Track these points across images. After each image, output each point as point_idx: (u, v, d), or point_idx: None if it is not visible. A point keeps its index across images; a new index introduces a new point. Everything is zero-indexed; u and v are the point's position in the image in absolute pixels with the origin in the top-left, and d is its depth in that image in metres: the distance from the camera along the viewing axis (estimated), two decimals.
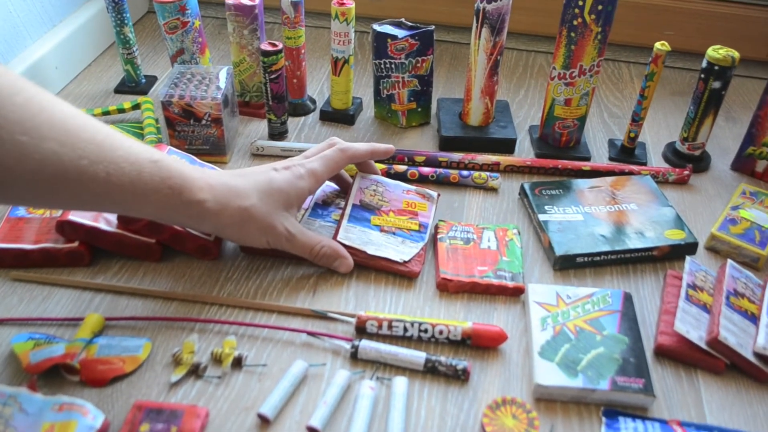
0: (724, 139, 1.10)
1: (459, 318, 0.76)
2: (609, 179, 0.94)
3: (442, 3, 1.30)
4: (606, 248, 0.82)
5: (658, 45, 0.93)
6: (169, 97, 0.92)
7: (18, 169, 0.58)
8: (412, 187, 0.88)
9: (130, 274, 0.79)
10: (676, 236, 0.84)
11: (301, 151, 0.98)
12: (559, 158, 1.00)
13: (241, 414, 0.66)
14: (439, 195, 0.88)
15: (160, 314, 0.75)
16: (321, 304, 0.77)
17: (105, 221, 0.79)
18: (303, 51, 1.05)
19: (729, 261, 0.80)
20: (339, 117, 1.07)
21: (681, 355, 0.72)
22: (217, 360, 0.70)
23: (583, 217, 0.87)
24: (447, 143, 1.02)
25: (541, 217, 0.86)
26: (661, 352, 0.73)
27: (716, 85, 0.94)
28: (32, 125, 0.58)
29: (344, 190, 0.89)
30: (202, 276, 0.80)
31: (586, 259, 0.82)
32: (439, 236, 0.84)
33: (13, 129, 0.57)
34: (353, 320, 0.73)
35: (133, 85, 1.13)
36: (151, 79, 1.16)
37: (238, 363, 0.70)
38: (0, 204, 0.63)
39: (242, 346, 0.72)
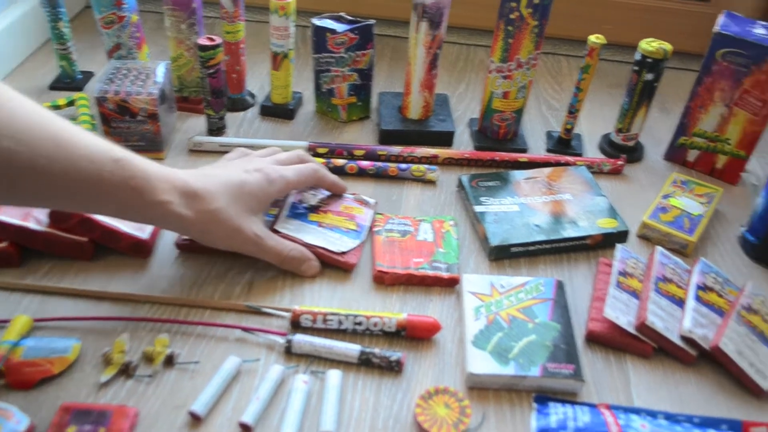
0: (658, 130, 1.12)
1: (395, 310, 0.76)
2: (545, 170, 0.95)
3: None
4: (540, 238, 0.83)
5: (592, 38, 0.94)
6: (104, 92, 0.91)
7: None
8: (350, 195, 0.88)
9: (60, 274, 0.78)
10: (608, 225, 0.86)
11: (239, 146, 0.97)
12: (497, 150, 1.01)
13: (173, 412, 0.65)
14: (377, 203, 0.89)
15: (91, 314, 0.74)
16: (256, 300, 0.76)
17: (35, 220, 0.77)
18: (242, 46, 1.04)
19: (658, 248, 0.82)
20: (279, 112, 1.07)
21: (611, 340, 0.74)
22: (148, 358, 0.69)
23: (519, 207, 0.88)
24: (387, 137, 1.02)
25: (478, 208, 0.87)
26: (591, 338, 0.74)
27: (649, 77, 0.96)
28: None
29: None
30: (136, 274, 0.79)
31: (520, 248, 0.83)
32: (375, 229, 0.84)
33: None
34: (288, 315, 0.73)
35: (69, 81, 1.11)
36: (88, 75, 1.14)
37: (169, 361, 0.69)
38: None
39: (175, 344, 0.71)
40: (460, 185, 0.92)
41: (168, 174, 0.70)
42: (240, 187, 0.74)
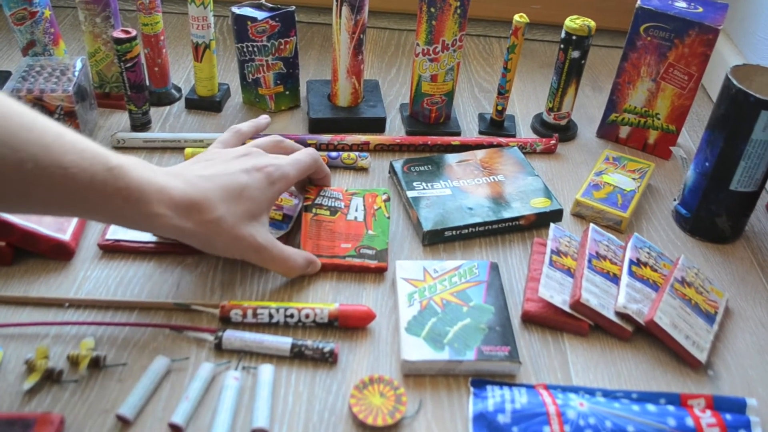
0: (590, 108, 1.12)
1: (328, 300, 0.75)
2: (478, 153, 0.94)
3: None
4: (473, 221, 0.83)
5: (516, 17, 0.94)
6: (17, 91, 0.87)
7: None
8: None
9: None
10: (541, 205, 0.85)
11: (164, 141, 0.94)
12: (429, 135, 1.00)
13: (100, 417, 0.62)
14: None
15: (12, 321, 0.70)
16: (186, 296, 0.74)
17: None
18: (162, 38, 1.01)
19: (591, 225, 0.82)
20: (205, 104, 1.04)
21: (546, 320, 0.73)
22: (73, 363, 0.67)
23: (452, 191, 0.87)
24: (317, 125, 1.01)
25: (410, 193, 0.86)
26: (527, 319, 0.74)
27: (575, 54, 0.96)
28: None
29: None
30: (59, 277, 0.76)
31: (454, 232, 0.82)
32: (305, 204, 0.82)
33: None
34: (217, 311, 0.71)
35: None
36: (5, 75, 1.09)
37: (96, 364, 0.66)
38: None
39: (101, 347, 0.68)
40: (392, 171, 0.91)
41: (165, 184, 0.65)
42: (240, 192, 0.70)
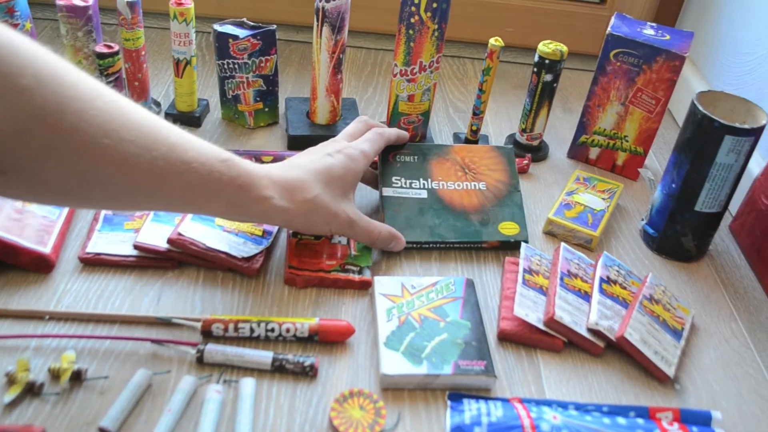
0: (561, 129, 1.15)
1: (308, 314, 0.76)
2: (473, 147, 0.95)
3: (287, 3, 1.29)
4: (432, 239, 0.85)
5: (492, 41, 0.97)
6: None
7: (100, 172, 0.60)
8: None
9: None
10: (508, 231, 0.87)
11: None
12: None
13: (82, 429, 0.63)
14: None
15: None
16: (167, 311, 0.75)
17: None
18: (143, 52, 1.02)
19: (562, 244, 0.84)
20: (184, 119, 1.05)
21: (522, 338, 0.75)
22: (55, 376, 0.67)
23: (427, 194, 0.88)
24: (295, 142, 1.02)
25: (385, 191, 0.88)
26: (504, 338, 0.76)
27: (548, 78, 0.99)
28: (113, 128, 0.59)
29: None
30: (39, 290, 0.76)
31: (413, 246, 0.85)
32: (290, 231, 0.84)
33: (96, 132, 0.57)
34: (198, 324, 0.72)
35: None
36: None
37: (77, 377, 0.67)
38: (84, 208, 0.66)
39: (82, 360, 0.69)
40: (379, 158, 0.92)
41: (266, 171, 0.73)
42: (329, 173, 0.78)
